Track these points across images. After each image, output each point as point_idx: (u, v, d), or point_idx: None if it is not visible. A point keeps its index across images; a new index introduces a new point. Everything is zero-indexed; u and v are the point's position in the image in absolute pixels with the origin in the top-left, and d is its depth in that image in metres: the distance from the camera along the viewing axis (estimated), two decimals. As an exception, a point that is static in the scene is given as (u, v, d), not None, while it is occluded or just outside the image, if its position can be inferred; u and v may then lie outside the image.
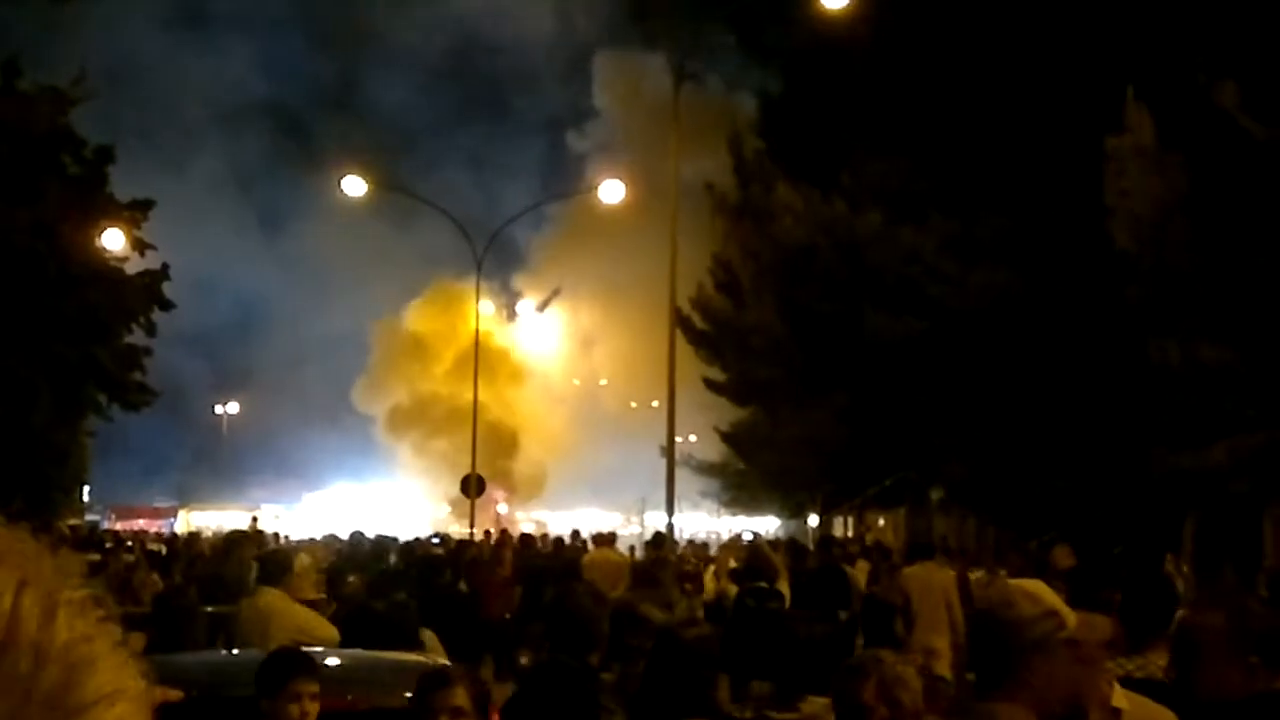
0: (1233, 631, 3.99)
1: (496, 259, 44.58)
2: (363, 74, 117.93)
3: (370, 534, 31.46)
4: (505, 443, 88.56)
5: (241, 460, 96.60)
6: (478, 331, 46.87)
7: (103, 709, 1.33)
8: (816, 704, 5.43)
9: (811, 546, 29.70)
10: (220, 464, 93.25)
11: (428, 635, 10.00)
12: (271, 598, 11.33)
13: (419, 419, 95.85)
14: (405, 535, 36.21)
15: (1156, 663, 6.42)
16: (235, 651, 10.59)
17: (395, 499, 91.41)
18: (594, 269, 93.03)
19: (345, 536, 30.79)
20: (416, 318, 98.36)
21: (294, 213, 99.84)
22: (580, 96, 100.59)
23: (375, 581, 12.44)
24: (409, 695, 7.30)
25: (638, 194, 41.80)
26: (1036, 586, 4.15)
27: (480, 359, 46.67)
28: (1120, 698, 5.40)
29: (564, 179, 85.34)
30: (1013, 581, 4.35)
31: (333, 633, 10.58)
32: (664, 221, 27.73)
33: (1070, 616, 4.00)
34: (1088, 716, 5.36)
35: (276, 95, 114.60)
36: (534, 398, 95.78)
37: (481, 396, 47.24)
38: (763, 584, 14.96)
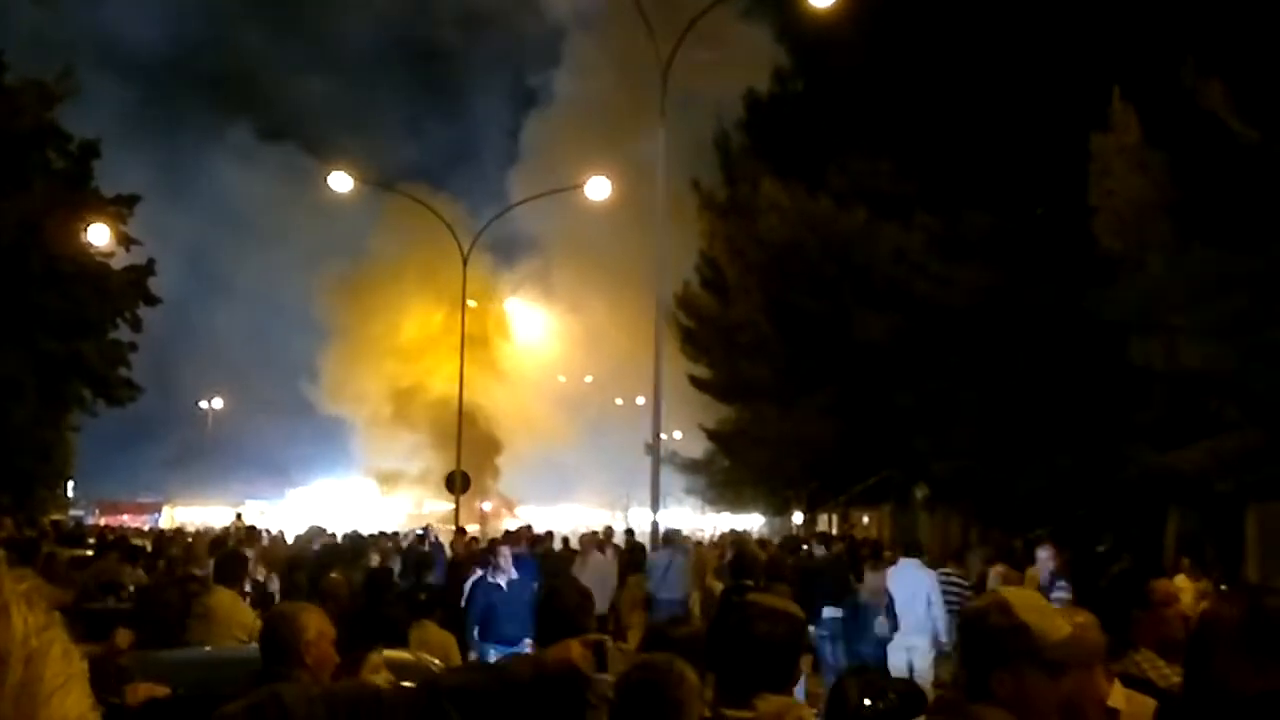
0: (1249, 626, 4.00)
1: (480, 252, 44.34)
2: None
3: (349, 530, 31.53)
4: (488, 441, 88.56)
5: (226, 456, 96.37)
6: (463, 325, 46.80)
7: (61, 697, 1.36)
8: (773, 702, 5.41)
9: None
10: (205, 459, 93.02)
11: (442, 635, 10.04)
12: (224, 598, 11.45)
13: (403, 414, 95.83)
14: (390, 531, 36.21)
15: (1135, 659, 6.45)
16: (216, 649, 10.62)
17: (377, 495, 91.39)
18: (579, 265, 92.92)
19: (330, 531, 30.84)
20: (402, 312, 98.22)
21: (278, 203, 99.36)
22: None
23: (369, 581, 12.47)
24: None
25: (625, 190, 41.70)
26: (1021, 597, 4.14)
27: (466, 351, 46.68)
28: (1118, 697, 5.41)
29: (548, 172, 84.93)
30: (1003, 590, 4.34)
31: None
32: (650, 217, 27.70)
33: (1052, 634, 3.98)
34: (1084, 717, 5.38)
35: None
36: (519, 393, 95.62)
37: (468, 393, 47.22)
38: (748, 581, 14.96)
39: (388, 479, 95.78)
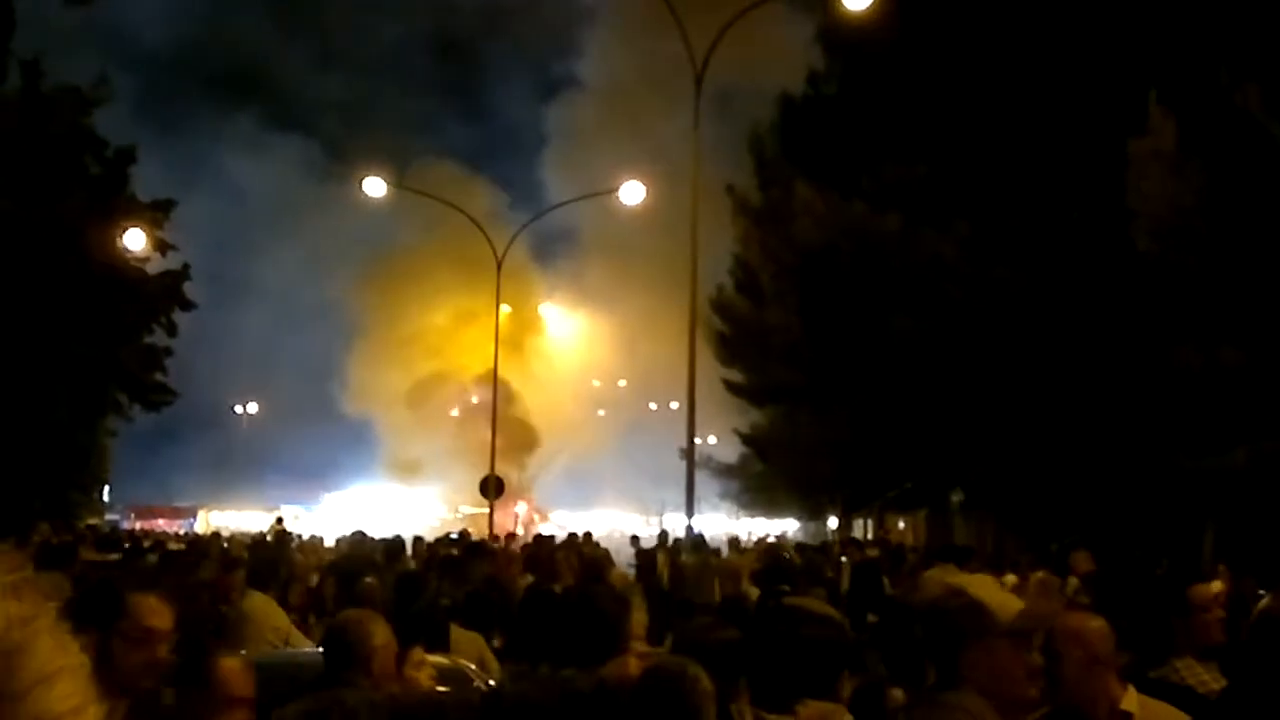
0: None
1: (514, 252, 44.37)
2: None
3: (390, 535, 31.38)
4: (525, 442, 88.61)
5: (260, 461, 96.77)
6: (497, 330, 46.91)
7: (42, 691, 1.33)
8: (814, 707, 5.38)
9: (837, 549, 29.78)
10: (239, 464, 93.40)
11: (471, 637, 10.03)
12: (257, 601, 11.50)
13: (438, 419, 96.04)
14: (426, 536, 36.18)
15: (1175, 665, 6.40)
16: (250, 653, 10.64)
17: (413, 500, 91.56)
18: (613, 270, 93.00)
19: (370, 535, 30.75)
20: (439, 318, 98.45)
21: (314, 210, 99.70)
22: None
23: (399, 584, 12.45)
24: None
25: (659, 195, 41.73)
26: (969, 580, 4.19)
27: (502, 356, 46.83)
28: (1131, 701, 5.38)
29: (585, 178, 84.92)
30: (951, 577, 4.38)
31: (308, 641, 10.91)
32: (684, 222, 27.65)
33: (1008, 609, 4.04)
34: (1086, 711, 5.35)
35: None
36: (554, 399, 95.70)
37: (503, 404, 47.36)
38: (785, 586, 14.91)
39: (409, 467, 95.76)
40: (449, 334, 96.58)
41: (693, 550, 24.83)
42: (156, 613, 5.23)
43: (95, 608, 5.01)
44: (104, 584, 6.18)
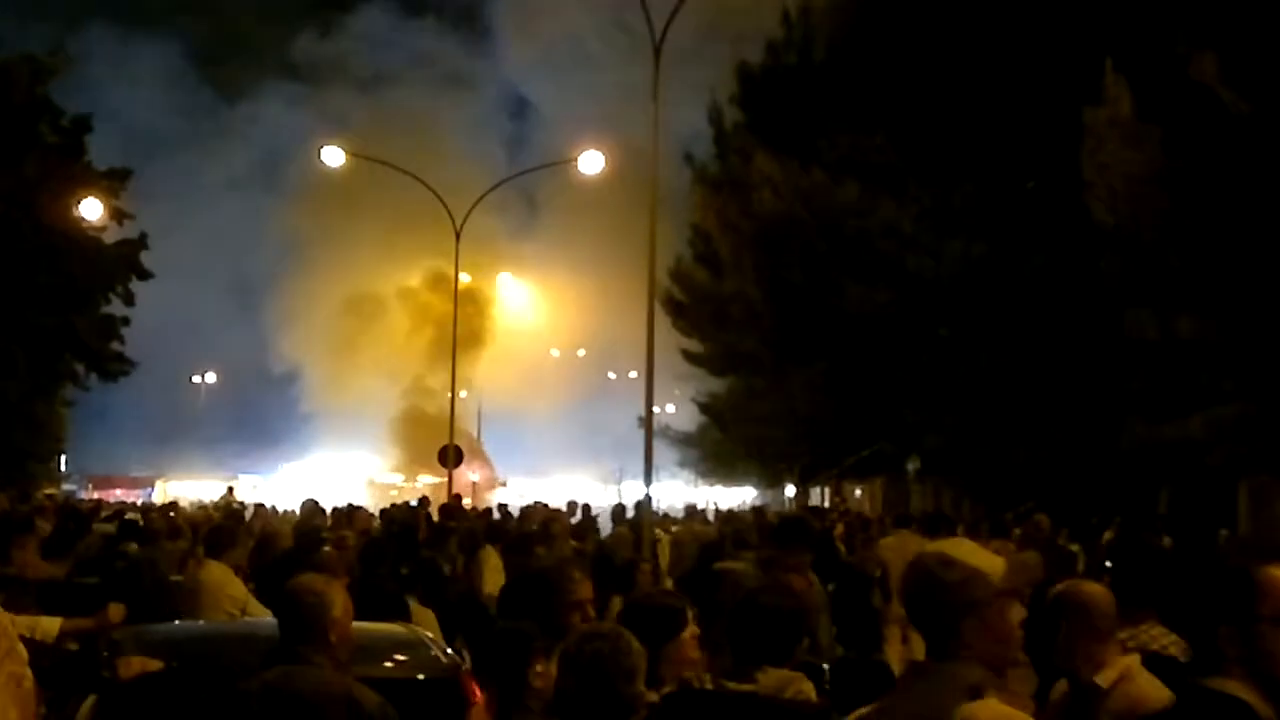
0: None
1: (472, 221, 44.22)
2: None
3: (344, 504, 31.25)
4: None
5: (219, 430, 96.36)
6: (456, 300, 46.77)
7: None
8: (773, 675, 5.42)
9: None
10: (197, 434, 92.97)
11: (425, 614, 10.02)
12: (215, 570, 11.48)
13: (393, 387, 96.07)
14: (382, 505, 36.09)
15: (1149, 632, 6.43)
16: (207, 622, 10.62)
17: (372, 469, 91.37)
18: (571, 240, 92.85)
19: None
20: (393, 285, 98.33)
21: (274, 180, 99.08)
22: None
23: (363, 553, 12.46)
24: (389, 665, 7.34)
25: (617, 164, 41.59)
26: (952, 548, 4.19)
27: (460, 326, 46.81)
28: (1116, 670, 5.41)
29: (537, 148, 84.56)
30: (937, 543, 4.39)
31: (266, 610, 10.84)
32: (642, 191, 27.56)
33: (997, 569, 4.06)
34: (1081, 677, 5.40)
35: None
36: (512, 368, 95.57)
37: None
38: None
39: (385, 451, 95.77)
40: (410, 300, 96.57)
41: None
42: None
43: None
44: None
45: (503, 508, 28.90)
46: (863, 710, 4.15)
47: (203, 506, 38.47)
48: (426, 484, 66.78)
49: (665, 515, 33.01)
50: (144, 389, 67.61)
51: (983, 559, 4.10)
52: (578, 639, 4.97)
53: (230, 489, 44.33)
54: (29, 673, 2.23)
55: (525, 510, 26.69)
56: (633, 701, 4.82)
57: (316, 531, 19.81)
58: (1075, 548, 18.42)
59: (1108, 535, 20.60)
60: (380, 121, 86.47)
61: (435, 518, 24.22)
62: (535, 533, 17.75)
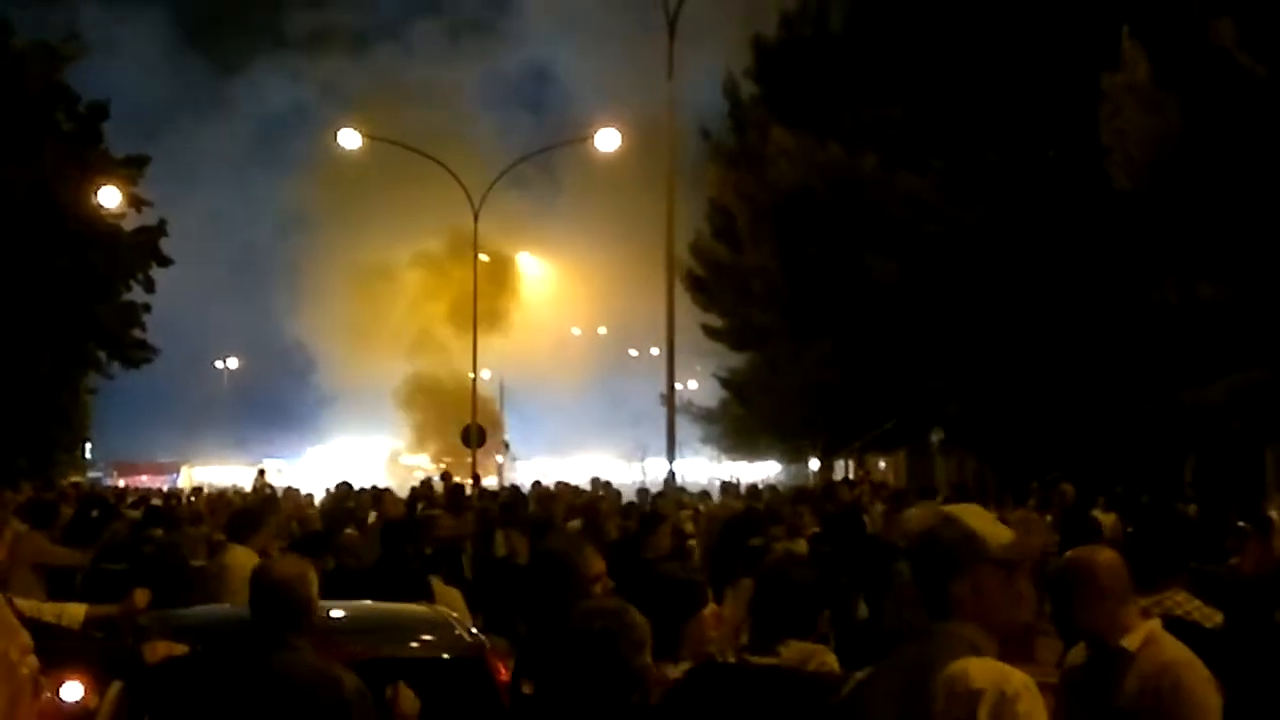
0: None
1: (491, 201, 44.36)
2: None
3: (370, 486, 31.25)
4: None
5: (243, 415, 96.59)
6: (475, 280, 46.80)
7: None
8: (795, 647, 5.43)
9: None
10: (222, 419, 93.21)
11: (452, 593, 10.04)
12: (238, 554, 11.47)
13: (418, 373, 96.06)
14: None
15: (1174, 599, 6.40)
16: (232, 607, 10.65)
17: (396, 452, 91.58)
18: (590, 217, 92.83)
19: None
20: (414, 266, 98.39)
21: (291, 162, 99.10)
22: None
23: (384, 534, 12.47)
24: (414, 645, 7.39)
25: (634, 140, 41.60)
26: (961, 509, 4.23)
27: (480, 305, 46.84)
28: (1139, 636, 5.41)
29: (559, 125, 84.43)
30: (943, 507, 4.44)
31: None
32: (660, 167, 27.56)
33: (999, 537, 4.08)
34: (1108, 642, 5.39)
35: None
36: (534, 346, 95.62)
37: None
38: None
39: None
40: (429, 265, 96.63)
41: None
42: None
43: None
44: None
45: (515, 489, 28.45)
46: (858, 674, 4.21)
47: (239, 491, 38.56)
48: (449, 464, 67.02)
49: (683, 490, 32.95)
50: (167, 375, 67.73)
51: (986, 524, 4.13)
52: (583, 614, 4.97)
53: (261, 472, 44.33)
54: (32, 659, 2.23)
55: (542, 491, 26.35)
56: (641, 674, 4.82)
57: (345, 513, 19.90)
58: (1111, 517, 18.35)
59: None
60: (396, 98, 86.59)
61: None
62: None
